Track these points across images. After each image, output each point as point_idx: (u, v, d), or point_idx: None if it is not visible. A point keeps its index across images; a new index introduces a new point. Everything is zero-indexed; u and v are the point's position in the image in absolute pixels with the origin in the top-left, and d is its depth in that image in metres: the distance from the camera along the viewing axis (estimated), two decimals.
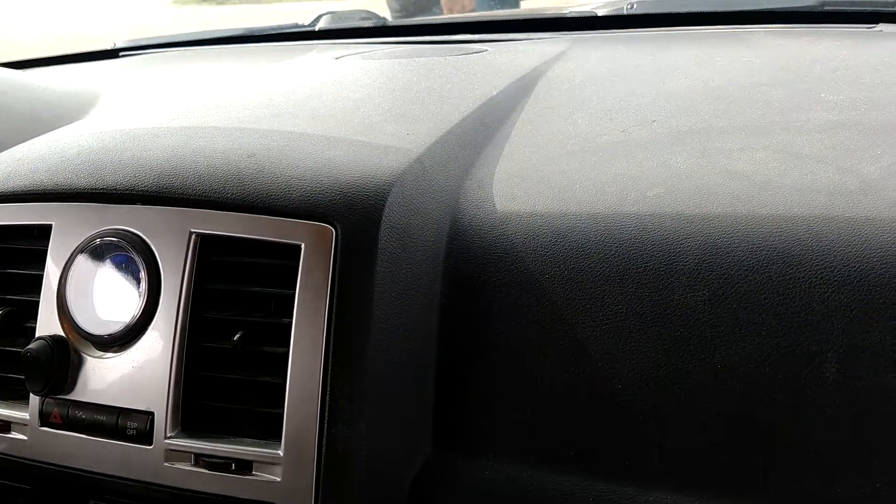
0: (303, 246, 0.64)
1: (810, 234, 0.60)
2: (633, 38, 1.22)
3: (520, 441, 0.65)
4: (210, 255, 0.68)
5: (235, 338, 0.65)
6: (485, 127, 0.83)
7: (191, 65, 1.37)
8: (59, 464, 0.70)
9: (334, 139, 0.74)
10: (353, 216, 0.64)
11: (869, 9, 1.14)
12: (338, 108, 0.85)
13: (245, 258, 0.67)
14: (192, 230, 0.67)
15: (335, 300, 0.63)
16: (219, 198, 0.67)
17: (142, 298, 0.68)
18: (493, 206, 0.70)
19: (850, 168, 0.66)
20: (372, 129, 0.77)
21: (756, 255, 0.60)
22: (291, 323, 0.63)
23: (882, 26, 1.09)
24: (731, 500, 0.59)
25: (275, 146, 0.72)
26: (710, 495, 0.60)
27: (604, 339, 0.62)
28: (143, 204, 0.69)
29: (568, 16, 1.35)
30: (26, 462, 0.71)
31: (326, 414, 0.62)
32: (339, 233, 0.64)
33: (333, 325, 0.63)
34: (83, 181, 0.71)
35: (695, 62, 1.02)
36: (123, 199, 0.69)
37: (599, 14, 1.32)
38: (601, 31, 1.28)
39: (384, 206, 0.65)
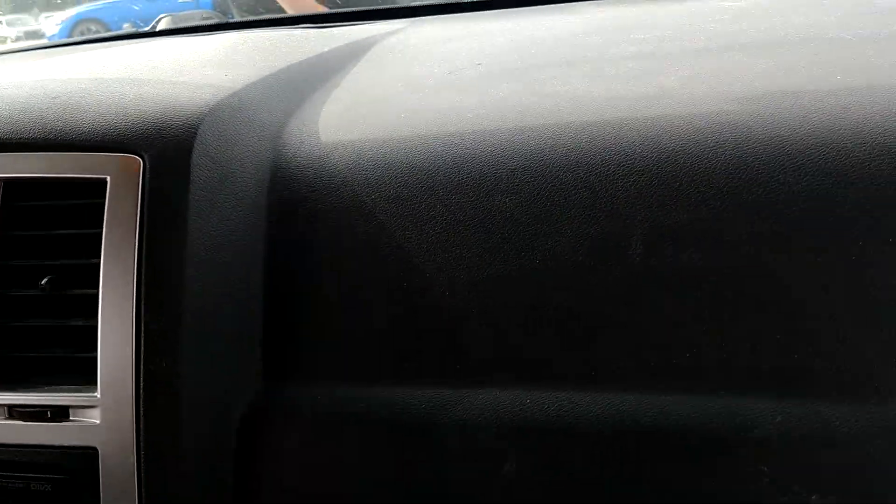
0: (108, 179, 0.62)
1: (614, 132, 0.63)
2: (464, 17, 1.25)
3: (351, 361, 0.64)
4: (16, 200, 0.64)
5: (43, 282, 0.62)
6: (312, 77, 0.83)
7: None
8: None
9: (145, 80, 0.72)
10: (161, 145, 0.62)
11: None
12: (153, 59, 0.83)
13: (51, 201, 0.64)
14: None
15: (145, 234, 0.61)
16: (20, 138, 0.64)
17: None
18: (318, 138, 0.70)
19: (652, 81, 0.70)
20: (188, 73, 0.76)
21: (567, 156, 0.63)
22: (100, 262, 0.61)
23: None
24: (554, 387, 0.60)
25: (79, 88, 0.69)
26: (535, 386, 0.61)
27: (431, 250, 0.63)
28: None
29: (406, 6, 1.37)
30: None
31: (143, 351, 0.60)
32: (147, 163, 0.61)
33: (144, 260, 0.60)
34: None
35: (521, 26, 1.06)
36: None
37: (436, 3, 1.35)
38: (438, 15, 1.31)
39: (196, 135, 0.63)
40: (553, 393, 0.60)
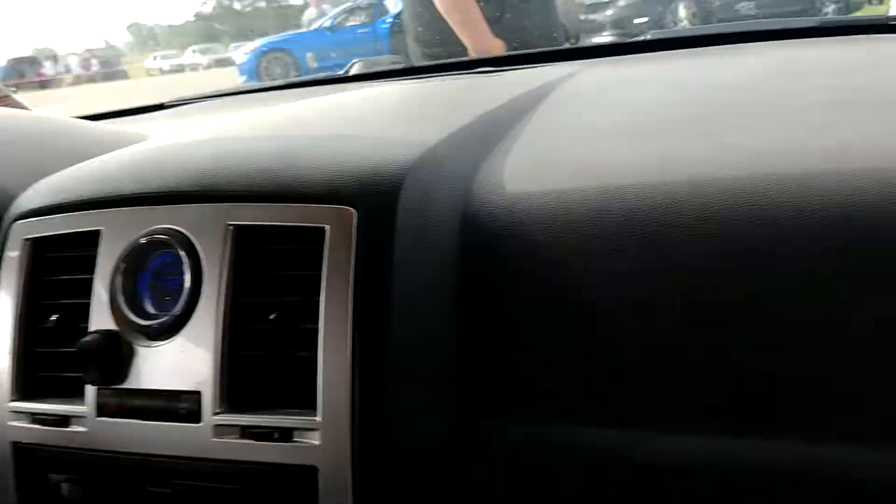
0: (327, 228, 0.70)
1: (802, 188, 0.64)
2: (640, 59, 1.28)
3: (539, 400, 0.69)
4: (246, 244, 0.74)
5: (271, 317, 0.71)
6: (497, 126, 0.90)
7: (232, 108, 1.48)
8: (115, 450, 0.75)
9: (354, 137, 0.81)
10: (371, 198, 0.70)
11: (862, 23, 1.21)
12: (358, 116, 0.93)
13: (278, 245, 0.73)
14: (230, 223, 0.73)
15: (358, 276, 0.69)
16: (251, 191, 0.74)
17: (186, 289, 0.74)
18: (504, 188, 0.76)
19: (835, 134, 0.71)
20: (389, 129, 0.84)
21: (748, 212, 0.65)
22: (320, 300, 0.69)
23: (872, 35, 1.15)
24: (755, 434, 0.63)
25: (299, 145, 0.79)
26: (722, 434, 0.63)
27: (613, 297, 0.67)
28: (183, 203, 0.76)
29: (580, 46, 1.42)
30: (83, 453, 0.76)
31: (357, 380, 0.68)
32: (360, 214, 0.70)
33: (359, 299, 0.68)
34: (127, 187, 0.78)
35: (695, 67, 1.08)
36: (165, 201, 0.76)
37: (611, 43, 1.39)
38: (613, 56, 1.35)
39: (400, 189, 0.71)
40: (755, 441, 0.62)
